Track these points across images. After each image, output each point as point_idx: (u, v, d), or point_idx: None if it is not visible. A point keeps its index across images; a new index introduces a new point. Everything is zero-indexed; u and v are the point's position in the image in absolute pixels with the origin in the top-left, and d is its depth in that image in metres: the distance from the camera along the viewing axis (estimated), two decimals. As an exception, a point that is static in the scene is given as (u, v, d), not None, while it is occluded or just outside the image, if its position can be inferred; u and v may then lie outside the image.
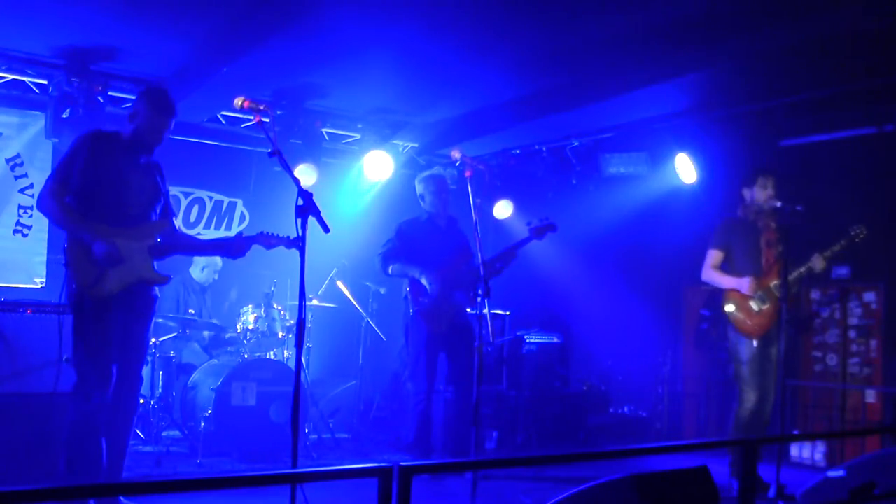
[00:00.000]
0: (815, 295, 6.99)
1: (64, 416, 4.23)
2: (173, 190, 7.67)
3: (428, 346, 5.64)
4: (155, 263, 4.17)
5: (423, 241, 5.82)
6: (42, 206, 4.06)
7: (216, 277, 7.14)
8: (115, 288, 4.00)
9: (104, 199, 4.06)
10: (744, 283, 5.24)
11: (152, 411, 6.21)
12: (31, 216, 6.66)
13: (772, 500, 4.81)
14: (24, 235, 6.67)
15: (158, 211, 4.30)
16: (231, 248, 4.36)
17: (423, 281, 5.64)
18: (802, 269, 5.17)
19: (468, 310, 5.77)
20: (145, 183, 4.23)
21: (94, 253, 3.94)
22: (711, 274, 5.43)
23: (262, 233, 4.36)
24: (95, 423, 3.97)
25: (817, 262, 5.14)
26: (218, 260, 7.08)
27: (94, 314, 3.97)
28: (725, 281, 5.35)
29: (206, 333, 6.79)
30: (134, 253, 4.07)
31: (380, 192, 8.14)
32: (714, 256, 5.42)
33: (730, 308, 5.35)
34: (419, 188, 5.97)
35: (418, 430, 5.66)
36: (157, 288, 4.30)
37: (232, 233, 8.02)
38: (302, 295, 3.39)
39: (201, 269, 7.06)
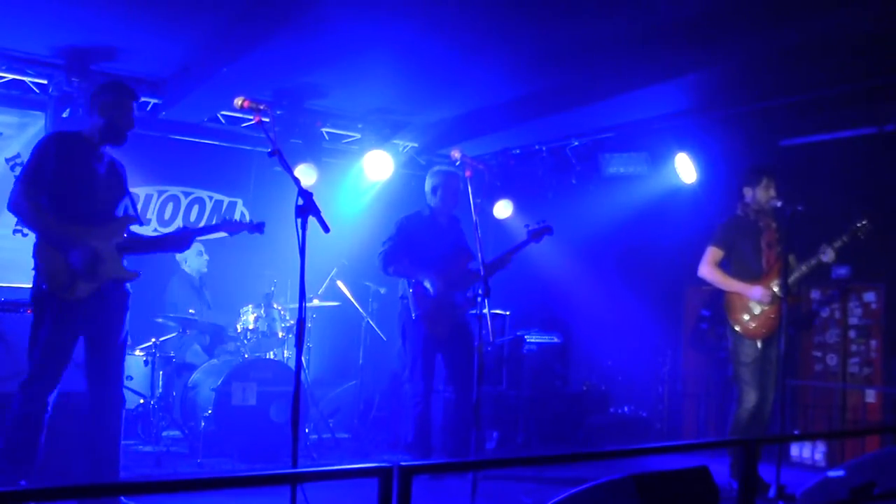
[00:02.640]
0: (815, 295, 6.99)
1: (64, 416, 4.29)
2: (173, 190, 7.74)
3: (425, 347, 5.63)
4: (125, 260, 4.21)
5: (423, 238, 5.75)
6: (13, 207, 4.05)
7: (203, 270, 7.16)
8: (89, 290, 4.05)
9: (74, 197, 4.08)
10: (756, 291, 5.23)
11: (152, 411, 6.20)
12: (31, 216, 6.65)
13: (772, 500, 4.80)
14: (25, 235, 6.67)
15: (122, 209, 4.33)
16: (178, 242, 4.48)
17: (427, 284, 5.61)
18: (813, 262, 5.14)
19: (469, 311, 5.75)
20: (111, 180, 4.28)
21: (70, 259, 3.98)
22: (712, 272, 5.41)
23: (224, 219, 4.53)
24: (38, 421, 4.00)
25: (828, 253, 5.11)
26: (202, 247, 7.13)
27: (58, 318, 3.99)
28: (733, 285, 5.33)
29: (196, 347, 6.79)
30: (104, 253, 4.11)
31: (380, 191, 8.14)
32: (714, 253, 5.42)
33: (730, 309, 5.35)
34: (432, 181, 5.83)
35: (417, 431, 5.65)
36: (128, 284, 4.31)
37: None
38: (302, 295, 3.39)
39: (197, 253, 7.06)
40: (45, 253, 4.01)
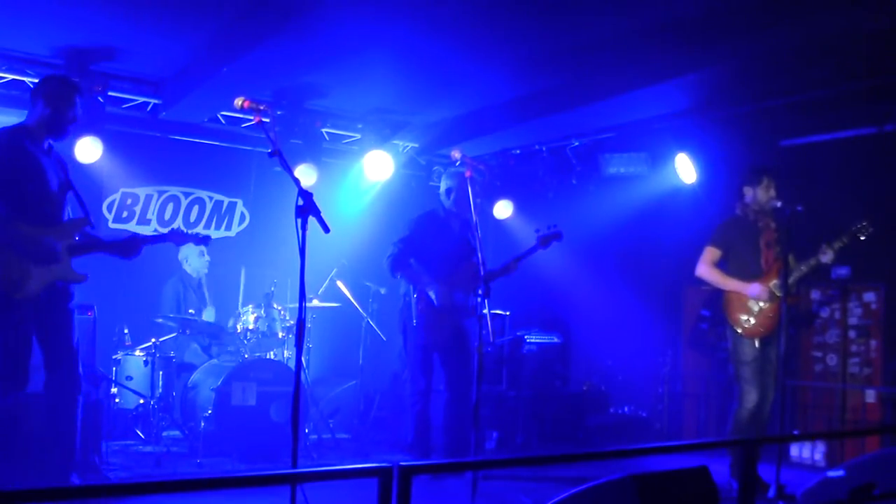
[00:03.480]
0: (815, 295, 6.99)
1: (61, 415, 4.34)
2: (173, 190, 7.74)
3: (424, 349, 5.65)
4: (73, 262, 4.25)
5: (435, 238, 5.72)
6: None
7: (205, 270, 7.17)
8: (37, 288, 4.09)
9: (25, 194, 4.12)
10: (753, 289, 5.23)
11: (152, 411, 6.21)
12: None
13: (772, 500, 4.80)
14: None
15: (67, 202, 4.37)
16: (126, 248, 4.46)
17: (431, 294, 5.61)
18: (812, 262, 5.14)
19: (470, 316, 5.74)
20: (58, 173, 4.33)
21: (21, 257, 4.01)
22: (709, 271, 5.42)
23: (173, 230, 4.65)
24: (15, 416, 4.09)
25: (827, 254, 5.09)
26: (196, 249, 7.14)
27: (15, 315, 4.04)
28: (730, 284, 5.33)
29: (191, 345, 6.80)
30: (55, 253, 4.15)
31: (380, 192, 8.14)
32: (711, 253, 5.42)
33: (729, 308, 5.35)
34: (446, 183, 5.81)
35: (416, 430, 5.66)
36: (73, 287, 4.36)
37: (232, 233, 8.09)
38: (302, 295, 3.39)
39: (198, 254, 7.07)
40: None
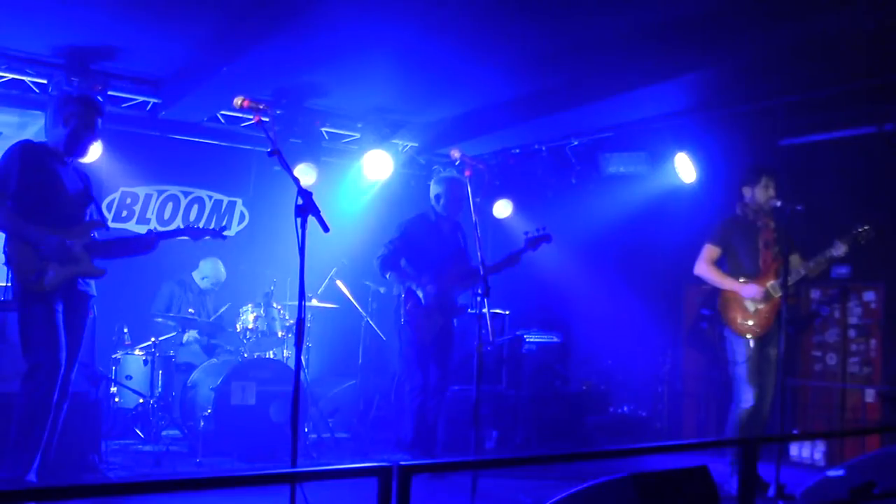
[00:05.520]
0: (815, 294, 6.99)
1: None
2: (173, 189, 7.74)
3: (417, 346, 5.67)
4: (93, 259, 4.33)
5: (425, 241, 5.78)
6: None
7: (216, 289, 7.19)
8: (55, 282, 4.16)
9: (40, 204, 4.20)
10: (749, 289, 5.22)
11: (152, 410, 6.21)
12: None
13: (771, 499, 4.80)
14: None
15: (87, 210, 4.45)
16: (144, 243, 4.55)
17: (419, 294, 5.64)
18: (821, 258, 5.05)
19: (468, 310, 5.78)
20: (76, 188, 4.41)
21: (42, 248, 4.10)
22: (707, 270, 5.41)
23: (188, 226, 4.73)
24: (47, 406, 4.11)
25: (839, 248, 5.03)
26: (221, 270, 7.13)
27: (41, 306, 4.12)
28: (726, 282, 5.33)
29: (193, 334, 6.79)
30: (73, 248, 4.24)
31: (379, 191, 8.14)
32: (710, 251, 5.41)
33: (725, 307, 5.34)
34: (435, 188, 5.86)
35: (416, 427, 5.66)
36: (93, 286, 4.43)
37: (232, 232, 8.09)
38: (301, 294, 3.39)
39: (202, 278, 7.11)
40: (14, 247, 4.12)
